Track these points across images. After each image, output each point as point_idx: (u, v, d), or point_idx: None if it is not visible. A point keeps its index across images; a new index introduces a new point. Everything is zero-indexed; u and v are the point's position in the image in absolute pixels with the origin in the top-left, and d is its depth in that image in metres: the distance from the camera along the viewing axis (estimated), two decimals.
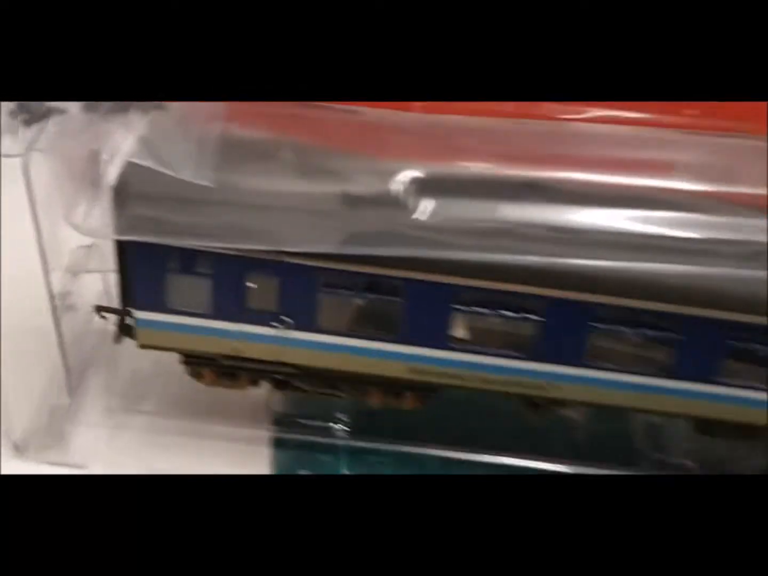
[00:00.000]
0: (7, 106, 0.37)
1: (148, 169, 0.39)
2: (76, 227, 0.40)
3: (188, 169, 0.38)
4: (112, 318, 0.47)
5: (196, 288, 0.42)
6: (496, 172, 0.40)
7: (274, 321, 0.43)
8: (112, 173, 0.39)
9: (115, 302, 0.47)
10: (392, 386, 0.45)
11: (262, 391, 0.48)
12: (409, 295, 0.41)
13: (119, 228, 0.40)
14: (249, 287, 0.42)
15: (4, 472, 0.45)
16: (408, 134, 0.43)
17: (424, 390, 0.45)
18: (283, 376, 0.45)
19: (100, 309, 0.48)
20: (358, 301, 0.42)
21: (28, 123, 0.37)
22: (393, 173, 0.40)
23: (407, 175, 0.39)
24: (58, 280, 0.46)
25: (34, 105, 0.37)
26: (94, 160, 0.39)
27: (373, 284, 0.41)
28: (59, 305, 0.46)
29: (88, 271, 0.47)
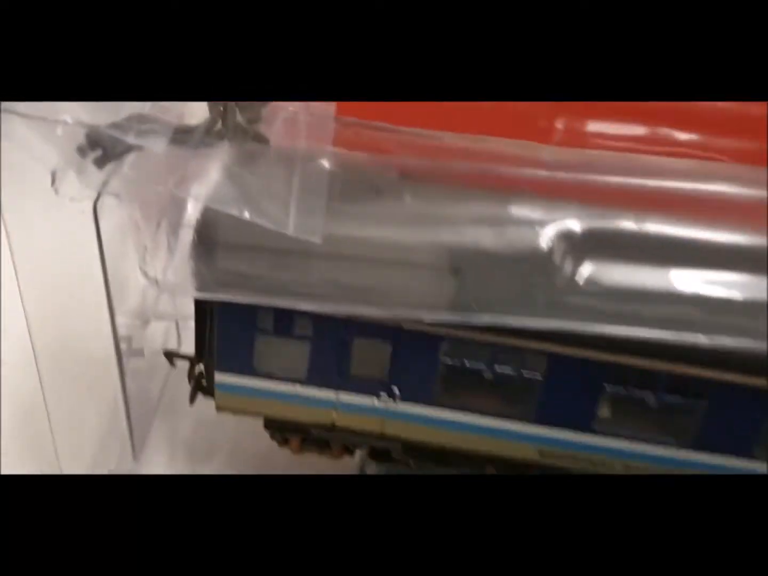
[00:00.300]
0: (76, 140, 0.30)
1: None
2: (153, 281, 0.33)
3: (291, 222, 0.31)
4: (181, 363, 0.41)
5: (291, 351, 0.36)
6: (666, 228, 0.32)
7: (382, 391, 0.36)
8: (195, 219, 0.33)
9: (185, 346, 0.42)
10: (513, 466, 0.38)
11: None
12: (551, 372, 0.34)
13: (202, 285, 0.33)
14: (354, 353, 0.35)
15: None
16: (542, 169, 0.36)
17: (550, 471, 0.38)
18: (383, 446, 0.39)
19: (169, 355, 0.41)
20: (486, 374, 0.35)
21: (100, 163, 0.30)
22: (536, 222, 0.33)
23: (556, 227, 0.32)
24: (124, 322, 0.39)
25: (108, 142, 0.30)
26: (174, 205, 0.32)
27: (504, 356, 0.34)
28: (124, 350, 0.40)
29: (158, 319, 0.40)
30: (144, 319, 0.40)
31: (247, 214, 0.31)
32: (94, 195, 0.31)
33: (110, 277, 0.36)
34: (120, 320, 0.38)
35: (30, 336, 0.37)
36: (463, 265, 0.33)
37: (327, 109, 0.35)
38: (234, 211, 0.31)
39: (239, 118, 0.34)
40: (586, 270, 0.32)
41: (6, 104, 0.29)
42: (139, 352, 0.42)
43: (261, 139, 0.34)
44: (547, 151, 0.36)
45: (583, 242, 0.32)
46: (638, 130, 0.39)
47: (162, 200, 0.32)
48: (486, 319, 0.32)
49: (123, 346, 0.40)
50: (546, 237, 0.32)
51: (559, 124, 0.39)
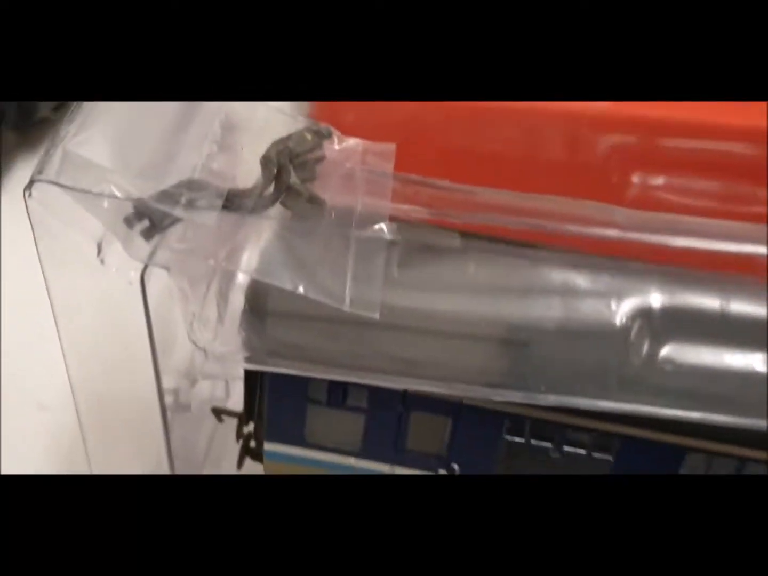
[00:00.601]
0: (122, 211, 0.28)
1: None
2: (203, 350, 0.32)
3: (348, 296, 0.29)
4: (229, 420, 0.40)
5: (345, 423, 0.34)
6: (753, 305, 0.30)
7: (440, 467, 0.34)
8: (244, 287, 0.31)
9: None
10: None
11: None
12: (624, 453, 0.32)
13: (253, 355, 0.31)
14: (411, 427, 0.33)
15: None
16: (614, 229, 0.34)
17: None
18: None
19: (217, 412, 0.40)
20: (552, 454, 0.33)
21: (148, 235, 0.28)
22: (610, 294, 0.31)
23: (633, 301, 0.30)
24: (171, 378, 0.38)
25: (156, 213, 0.28)
26: (224, 273, 0.31)
27: (573, 436, 0.32)
28: (170, 404, 0.38)
29: (206, 378, 0.38)
30: (191, 379, 0.38)
31: (301, 289, 0.29)
32: (141, 266, 0.29)
33: (158, 337, 0.34)
34: (166, 378, 0.37)
35: (72, 393, 0.36)
36: (529, 339, 0.30)
37: (385, 166, 0.33)
38: (287, 285, 0.29)
39: (293, 178, 0.32)
40: (666, 349, 0.30)
41: (48, 175, 0.28)
42: (186, 408, 0.40)
43: (316, 201, 0.32)
44: (619, 213, 0.34)
45: (663, 319, 0.30)
46: (717, 186, 0.37)
47: (212, 271, 0.30)
48: (553, 399, 0.30)
49: (169, 399, 0.38)
50: (621, 311, 0.30)
51: (634, 179, 0.37)
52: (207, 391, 0.42)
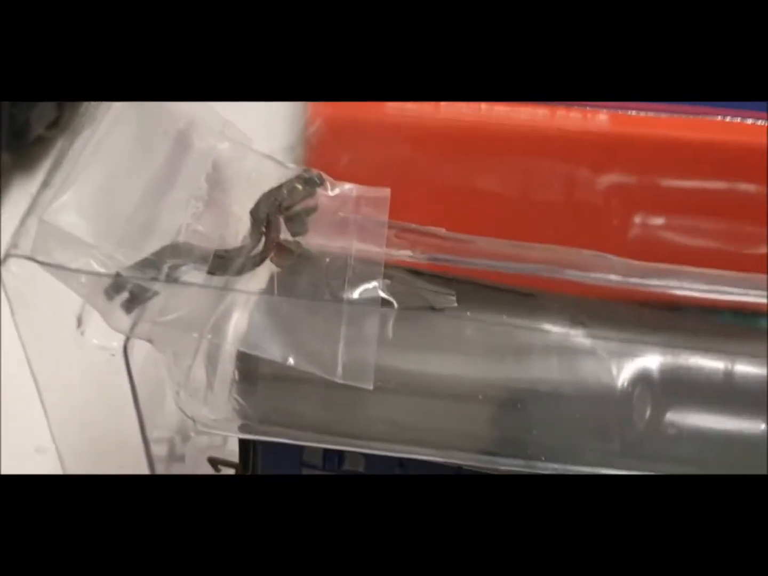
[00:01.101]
0: (102, 284, 0.27)
1: None
2: (192, 418, 0.31)
3: (340, 365, 0.28)
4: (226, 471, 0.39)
5: None
6: (757, 368, 0.29)
7: None
8: (234, 352, 0.30)
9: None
10: None
11: None
12: None
13: (245, 423, 0.30)
14: None
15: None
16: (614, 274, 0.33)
17: None
18: None
19: (214, 462, 0.39)
20: None
21: (128, 307, 0.27)
22: (612, 356, 0.29)
23: (635, 364, 0.29)
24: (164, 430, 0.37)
25: (136, 285, 0.27)
26: (211, 345, 0.30)
27: None
28: (165, 456, 0.37)
29: (199, 434, 0.37)
30: (183, 434, 0.37)
31: (291, 360, 0.28)
32: (122, 338, 0.28)
33: (145, 396, 0.33)
34: (159, 430, 0.36)
35: (60, 460, 0.35)
36: (529, 405, 0.29)
37: (380, 214, 0.32)
38: (276, 357, 0.28)
39: (283, 233, 0.31)
40: (668, 414, 0.29)
41: (24, 249, 0.27)
42: (180, 458, 0.39)
43: (307, 257, 0.31)
44: (617, 263, 0.32)
45: (665, 383, 0.29)
46: (719, 225, 0.36)
47: (197, 340, 0.29)
48: (554, 468, 0.29)
49: (163, 451, 0.37)
50: (623, 376, 0.29)
51: (636, 219, 0.36)
52: (203, 440, 0.41)
